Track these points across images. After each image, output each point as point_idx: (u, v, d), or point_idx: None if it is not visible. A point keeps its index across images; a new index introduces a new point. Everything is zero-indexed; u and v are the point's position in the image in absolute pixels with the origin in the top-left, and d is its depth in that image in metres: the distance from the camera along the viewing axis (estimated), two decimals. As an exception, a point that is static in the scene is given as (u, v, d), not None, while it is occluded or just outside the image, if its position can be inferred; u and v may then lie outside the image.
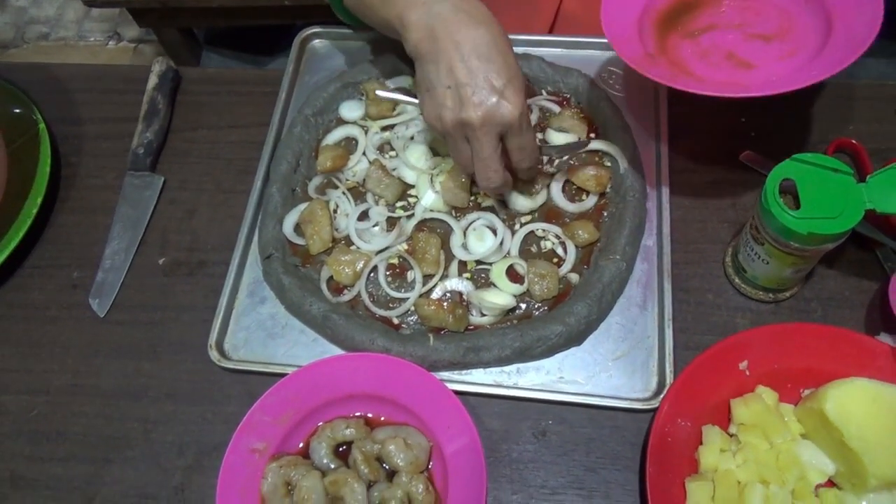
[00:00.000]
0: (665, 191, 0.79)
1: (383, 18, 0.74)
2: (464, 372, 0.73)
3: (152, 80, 0.91)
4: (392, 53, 0.90)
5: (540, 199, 0.80)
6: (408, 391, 0.69)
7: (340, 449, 0.70)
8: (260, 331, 0.77)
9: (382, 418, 0.71)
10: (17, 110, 0.90)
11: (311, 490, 0.66)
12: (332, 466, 0.68)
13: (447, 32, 0.67)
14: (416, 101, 0.77)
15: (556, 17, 0.97)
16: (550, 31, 0.99)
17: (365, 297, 0.76)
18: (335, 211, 0.81)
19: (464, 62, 0.66)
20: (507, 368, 0.73)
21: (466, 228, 0.79)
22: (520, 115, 0.67)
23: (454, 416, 0.67)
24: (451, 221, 0.79)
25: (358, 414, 0.71)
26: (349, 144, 0.86)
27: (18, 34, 2.52)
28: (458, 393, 0.71)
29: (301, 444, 0.70)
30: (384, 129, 0.86)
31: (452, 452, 0.66)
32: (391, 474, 0.68)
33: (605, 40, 0.89)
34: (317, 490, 0.66)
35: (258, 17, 1.90)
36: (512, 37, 0.90)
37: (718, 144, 0.84)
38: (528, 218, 0.79)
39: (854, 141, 0.81)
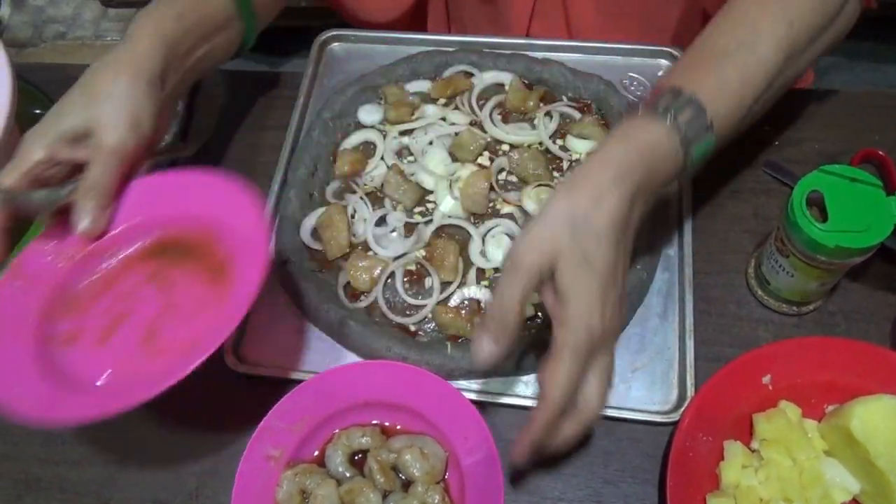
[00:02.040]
0: (686, 199, 0.78)
1: None
2: (481, 381, 0.72)
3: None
4: (411, 57, 0.90)
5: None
6: (425, 400, 0.68)
7: (356, 457, 0.69)
8: (276, 336, 0.76)
9: (399, 427, 0.70)
10: (37, 111, 0.90)
11: (326, 499, 0.65)
12: (348, 475, 0.68)
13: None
14: None
15: (533, 14, 0.96)
16: (528, 29, 0.98)
17: (382, 303, 0.76)
18: (353, 216, 0.81)
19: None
20: (525, 378, 0.72)
21: (485, 235, 0.78)
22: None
23: (472, 427, 0.66)
24: (470, 228, 0.78)
25: (375, 422, 0.70)
26: (367, 149, 0.86)
27: (36, 33, 2.53)
28: (475, 402, 0.71)
29: (316, 452, 0.69)
30: (403, 133, 0.86)
31: (470, 464, 0.65)
32: (407, 484, 0.67)
33: (626, 46, 0.89)
34: (332, 499, 0.65)
35: (275, 18, 1.91)
36: (533, 41, 0.91)
37: (741, 152, 0.83)
38: (548, 226, 0.79)
39: (880, 152, 0.79)
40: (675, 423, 0.66)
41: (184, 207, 0.71)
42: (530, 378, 0.72)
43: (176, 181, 0.72)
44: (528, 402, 0.70)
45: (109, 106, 0.67)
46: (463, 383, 0.72)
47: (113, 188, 0.68)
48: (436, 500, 0.65)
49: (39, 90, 0.92)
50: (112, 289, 0.70)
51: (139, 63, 0.69)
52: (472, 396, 0.71)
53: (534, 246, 0.55)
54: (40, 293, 0.69)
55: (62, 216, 0.69)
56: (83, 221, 0.67)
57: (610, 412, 0.69)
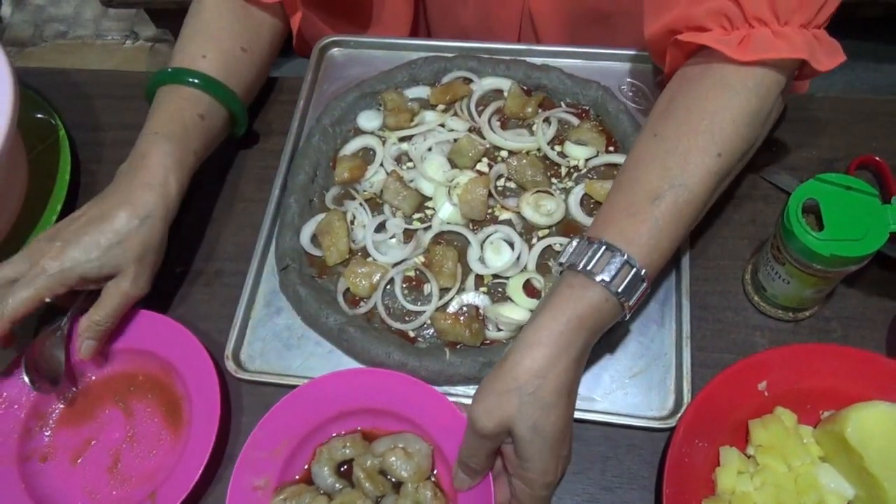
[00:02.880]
0: (684, 206, 0.79)
1: None
2: (479, 387, 0.73)
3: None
4: (411, 63, 0.90)
5: (558, 214, 0.79)
6: (400, 400, 0.69)
7: (342, 468, 0.70)
8: (276, 342, 0.77)
9: (380, 429, 0.71)
10: (38, 116, 0.91)
11: None
12: (338, 487, 0.68)
13: (106, 192, 0.75)
14: None
15: (523, 17, 0.96)
16: (518, 34, 0.99)
17: (381, 309, 0.76)
18: (352, 222, 0.81)
19: (83, 211, 0.73)
20: (522, 384, 0.73)
21: (484, 242, 0.79)
22: (41, 268, 0.68)
23: (451, 418, 0.67)
24: (469, 234, 0.79)
25: (358, 428, 0.71)
26: (367, 155, 0.86)
27: (37, 32, 2.54)
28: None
29: (305, 467, 0.70)
30: (402, 140, 0.86)
31: (455, 453, 0.66)
32: (398, 485, 0.68)
33: (624, 52, 0.89)
34: None
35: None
36: (532, 47, 0.91)
37: (739, 159, 0.83)
38: (546, 232, 0.79)
39: (877, 158, 0.80)
40: (671, 429, 0.67)
41: (148, 343, 0.75)
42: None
43: (144, 318, 0.76)
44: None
45: (139, 255, 0.71)
46: (461, 389, 0.73)
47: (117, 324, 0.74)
48: (428, 497, 0.65)
49: (40, 95, 0.93)
50: (82, 410, 0.75)
51: (168, 208, 0.74)
52: (470, 402, 0.71)
53: (489, 415, 0.60)
54: (17, 414, 0.74)
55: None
56: (86, 351, 0.72)
57: (608, 418, 0.70)
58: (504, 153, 0.84)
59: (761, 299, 0.74)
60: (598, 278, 0.61)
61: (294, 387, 0.73)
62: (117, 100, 0.96)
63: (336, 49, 0.96)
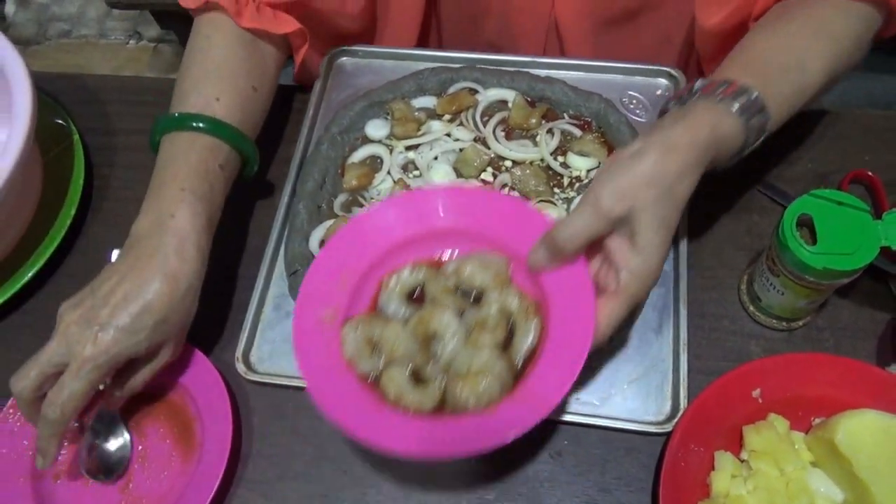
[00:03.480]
0: (682, 216, 0.81)
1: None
2: (483, 390, 0.75)
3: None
4: (418, 74, 0.92)
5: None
6: (470, 216, 0.64)
7: (413, 296, 0.64)
8: (285, 344, 0.79)
9: (445, 257, 0.65)
10: (54, 121, 0.92)
11: (397, 337, 0.61)
12: (410, 314, 0.63)
13: (136, 257, 0.67)
14: None
15: (549, 26, 0.98)
16: (544, 42, 1.00)
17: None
18: (360, 229, 0.83)
19: (114, 283, 0.66)
20: (524, 388, 0.75)
21: (488, 249, 0.81)
22: (88, 359, 0.63)
23: (534, 223, 0.62)
24: (473, 242, 0.81)
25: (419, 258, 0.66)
26: (374, 163, 0.88)
27: (41, 31, 2.55)
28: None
29: (371, 301, 0.65)
30: (409, 148, 0.88)
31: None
32: (477, 300, 0.62)
33: (626, 65, 0.91)
34: (404, 336, 0.61)
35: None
36: (536, 59, 0.93)
37: (736, 171, 0.85)
38: (549, 241, 0.81)
39: (870, 172, 0.82)
40: (668, 434, 0.69)
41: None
42: (530, 388, 0.75)
43: None
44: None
45: (181, 327, 0.70)
46: (465, 393, 0.75)
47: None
48: (515, 300, 0.61)
49: (55, 100, 0.95)
50: (93, 428, 0.74)
51: (203, 272, 0.71)
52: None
53: (618, 195, 0.59)
54: (32, 432, 0.70)
55: None
56: (116, 405, 0.72)
57: (606, 422, 0.72)
58: (508, 163, 0.86)
59: (756, 309, 0.77)
60: (734, 107, 0.64)
61: (302, 389, 0.75)
62: (130, 105, 0.98)
63: (345, 58, 0.98)
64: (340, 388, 0.61)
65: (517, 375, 0.61)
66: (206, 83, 0.78)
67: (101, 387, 0.69)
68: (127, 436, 0.74)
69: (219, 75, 0.78)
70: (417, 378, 0.61)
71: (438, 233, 0.66)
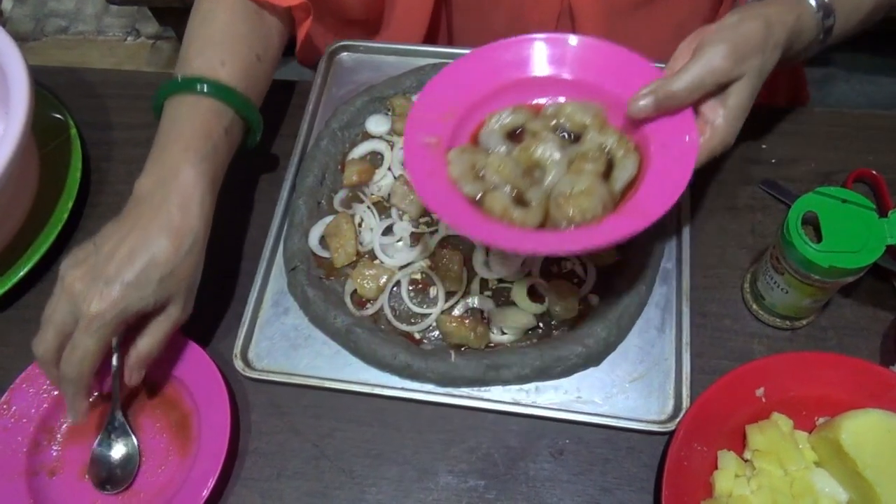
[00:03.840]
0: (685, 215, 0.80)
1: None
2: (483, 389, 0.74)
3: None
4: (419, 69, 0.92)
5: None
6: (570, 65, 0.67)
7: (515, 133, 0.68)
8: (283, 341, 0.78)
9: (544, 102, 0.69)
10: (51, 114, 0.92)
11: (501, 163, 0.64)
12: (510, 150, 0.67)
13: (140, 214, 0.67)
14: None
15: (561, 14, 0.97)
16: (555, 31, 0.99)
17: (388, 311, 0.78)
18: (360, 225, 0.83)
19: (118, 239, 0.66)
20: (525, 387, 0.74)
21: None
22: (95, 315, 0.63)
23: (634, 72, 0.66)
24: (474, 239, 0.80)
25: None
26: (375, 159, 0.88)
27: (38, 27, 2.54)
28: (476, 410, 0.73)
29: (472, 136, 0.69)
30: (410, 144, 0.87)
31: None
32: (576, 140, 0.66)
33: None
34: (508, 162, 0.64)
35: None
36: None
37: (738, 170, 0.85)
38: (550, 238, 0.81)
39: (874, 172, 0.82)
40: (670, 433, 0.69)
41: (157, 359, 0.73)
42: (531, 387, 0.74)
43: None
44: (528, 410, 0.72)
45: (189, 282, 0.70)
46: (465, 391, 0.74)
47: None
48: (613, 139, 0.65)
49: (52, 93, 0.94)
50: (89, 424, 0.74)
51: (208, 229, 0.72)
52: (474, 403, 0.73)
53: (733, 57, 0.64)
54: (26, 428, 0.73)
55: None
56: (136, 381, 0.70)
57: (608, 421, 0.71)
58: (510, 160, 0.85)
59: (760, 307, 0.76)
60: (813, 2, 0.70)
61: (301, 386, 0.75)
62: (128, 99, 0.97)
63: (345, 53, 0.97)
64: (450, 201, 0.64)
65: (616, 203, 0.64)
66: (210, 48, 0.78)
67: (114, 364, 0.69)
68: (135, 444, 0.73)
69: (223, 41, 0.78)
70: (519, 201, 0.64)
71: (539, 81, 0.70)
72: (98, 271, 0.64)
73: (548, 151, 0.65)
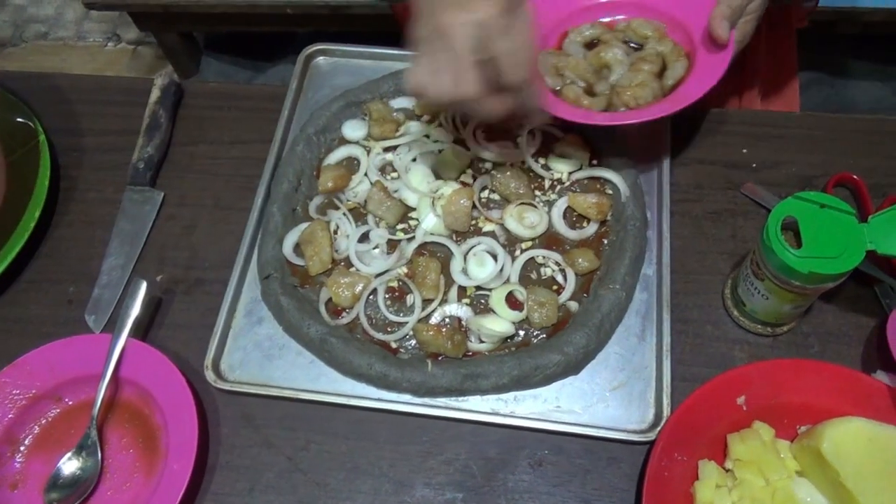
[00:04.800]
0: (666, 220, 0.80)
1: None
2: (461, 399, 0.73)
3: (154, 94, 0.91)
4: (397, 73, 0.90)
5: (541, 226, 0.79)
6: None
7: (592, 43, 0.84)
8: (257, 351, 0.76)
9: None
10: (18, 120, 0.89)
11: (577, 64, 0.81)
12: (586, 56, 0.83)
13: None
14: None
15: None
16: None
17: (363, 320, 0.76)
18: (335, 232, 0.81)
19: None
20: (504, 396, 0.73)
21: (467, 253, 0.79)
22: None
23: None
24: (452, 246, 0.79)
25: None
26: (351, 164, 0.86)
27: (17, 33, 2.50)
28: (454, 420, 0.72)
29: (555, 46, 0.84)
30: (386, 150, 0.86)
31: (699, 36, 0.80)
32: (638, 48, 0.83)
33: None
34: (582, 62, 0.81)
35: (259, 24, 1.90)
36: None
37: (719, 175, 0.85)
38: (529, 244, 0.80)
39: (855, 176, 0.81)
40: (651, 443, 0.68)
41: (126, 371, 0.73)
42: (509, 396, 0.73)
43: (126, 345, 0.74)
44: (507, 420, 0.71)
45: None
46: (442, 401, 0.72)
47: None
48: (669, 47, 0.81)
49: (20, 98, 0.91)
50: (55, 436, 0.73)
51: None
52: (452, 414, 0.71)
53: None
54: None
55: None
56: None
57: (589, 431, 0.70)
58: (488, 165, 0.84)
59: (741, 314, 0.75)
60: None
61: (275, 398, 0.73)
62: (98, 105, 0.95)
63: (321, 58, 0.96)
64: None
65: (666, 94, 0.80)
66: None
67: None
68: (99, 461, 0.71)
69: None
70: (589, 93, 0.81)
71: (613, 3, 0.86)
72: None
73: (615, 53, 0.82)
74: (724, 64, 0.76)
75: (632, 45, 0.84)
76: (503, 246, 0.79)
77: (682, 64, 0.81)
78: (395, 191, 0.83)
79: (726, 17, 0.75)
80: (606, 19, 0.87)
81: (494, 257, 0.78)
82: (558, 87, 0.82)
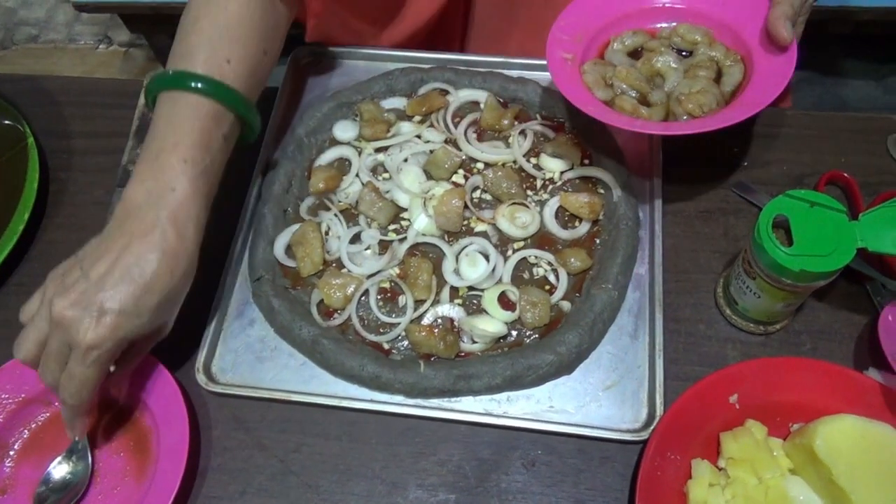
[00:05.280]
0: (658, 219, 0.79)
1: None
2: (453, 399, 0.72)
3: (143, 96, 0.90)
4: (387, 74, 0.90)
5: (533, 226, 0.79)
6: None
7: (636, 52, 0.82)
8: (248, 354, 0.76)
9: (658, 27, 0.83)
10: (6, 122, 0.89)
11: (629, 72, 0.78)
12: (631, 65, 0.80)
13: (131, 232, 0.63)
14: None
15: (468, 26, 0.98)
16: (462, 43, 1.01)
17: (355, 321, 0.76)
18: (327, 233, 0.81)
19: (109, 262, 0.62)
20: (497, 396, 0.73)
21: (459, 254, 0.79)
22: (91, 346, 0.60)
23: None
24: (444, 246, 0.79)
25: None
26: (342, 165, 0.86)
27: (7, 36, 2.49)
28: (447, 421, 0.71)
29: (597, 56, 0.82)
30: (378, 150, 0.86)
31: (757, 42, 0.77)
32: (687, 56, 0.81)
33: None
34: (633, 71, 0.78)
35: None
36: (509, 60, 0.91)
37: (711, 174, 0.85)
38: (521, 244, 0.79)
39: (846, 174, 0.81)
40: (644, 442, 0.67)
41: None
42: (502, 397, 0.72)
43: None
44: (500, 421, 0.71)
45: (179, 305, 0.69)
46: (435, 402, 0.72)
47: None
48: (722, 52, 0.78)
49: (8, 101, 0.91)
50: (45, 441, 0.72)
51: (198, 248, 0.68)
52: (445, 415, 0.71)
53: None
54: None
55: None
56: (118, 392, 0.71)
57: (582, 430, 0.70)
58: (480, 165, 0.84)
59: (733, 312, 0.75)
60: None
61: (267, 400, 0.73)
62: (88, 107, 0.94)
63: (312, 58, 0.95)
64: (589, 101, 0.77)
65: (727, 103, 0.77)
66: (218, 42, 0.71)
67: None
68: (89, 465, 0.70)
69: (231, 35, 0.72)
70: (642, 103, 0.78)
71: (654, 10, 0.83)
72: (90, 299, 0.61)
73: (668, 60, 0.80)
74: (791, 65, 0.73)
75: (682, 53, 0.81)
76: (495, 246, 0.79)
77: (739, 68, 0.78)
78: (387, 191, 0.82)
79: (789, 18, 0.72)
80: (648, 26, 0.84)
81: (486, 257, 0.78)
82: (609, 98, 0.78)
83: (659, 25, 0.83)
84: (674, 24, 0.82)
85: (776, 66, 0.74)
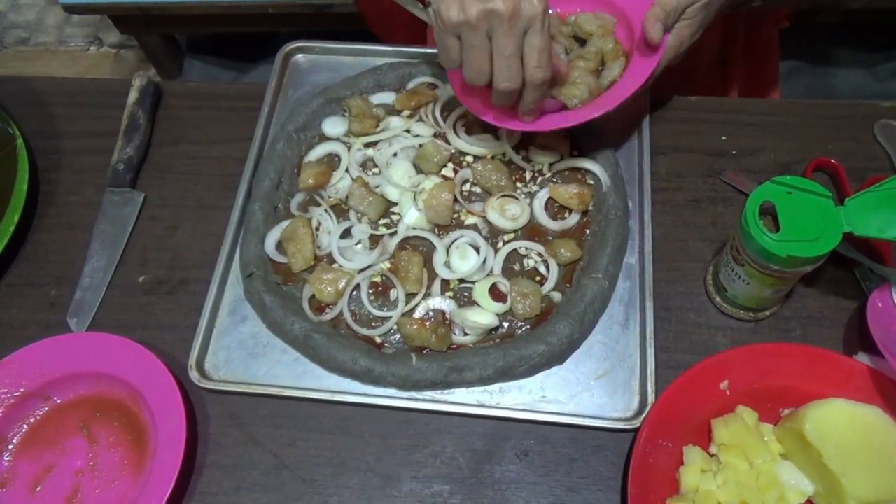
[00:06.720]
0: (647, 209, 0.80)
1: None
2: (446, 392, 0.73)
3: (133, 95, 0.90)
4: (376, 69, 0.90)
5: (523, 218, 0.80)
6: None
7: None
8: (241, 350, 0.76)
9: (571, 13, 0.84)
10: (-5, 124, 0.89)
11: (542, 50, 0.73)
12: None
13: None
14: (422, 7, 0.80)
15: None
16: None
17: (347, 315, 0.76)
18: (317, 228, 0.81)
19: None
20: (489, 388, 0.73)
21: (449, 247, 0.79)
22: (543, 10, 0.66)
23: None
24: (434, 239, 0.79)
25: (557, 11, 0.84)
26: (332, 161, 0.86)
27: (-3, 39, 2.48)
28: (440, 413, 0.72)
29: None
30: (367, 145, 0.86)
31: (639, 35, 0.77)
32: (582, 42, 0.83)
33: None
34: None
35: (241, 24, 1.89)
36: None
37: (700, 162, 0.85)
38: (512, 236, 0.80)
39: (833, 160, 0.82)
40: (636, 430, 0.68)
41: (114, 368, 0.73)
42: (495, 388, 0.73)
43: (111, 343, 0.74)
44: (492, 412, 0.71)
45: None
46: (428, 394, 0.73)
47: None
48: (609, 47, 0.80)
49: (-2, 103, 0.91)
50: (43, 435, 0.73)
51: None
52: (437, 407, 0.71)
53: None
54: None
55: None
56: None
57: (574, 420, 0.70)
58: (469, 158, 0.84)
59: (722, 300, 0.75)
60: None
61: (260, 395, 0.73)
62: (76, 107, 0.94)
63: (301, 55, 0.95)
64: (473, 95, 0.80)
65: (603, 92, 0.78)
66: None
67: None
68: None
69: None
70: None
71: None
72: None
73: (556, 50, 0.79)
74: (651, 67, 0.75)
75: (579, 42, 0.82)
76: (485, 238, 0.79)
77: (619, 63, 0.79)
78: (377, 186, 0.83)
79: (659, 19, 0.73)
80: (561, 11, 0.84)
81: (477, 250, 0.78)
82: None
83: (573, 10, 0.85)
84: (579, 11, 0.84)
85: (642, 66, 0.76)
